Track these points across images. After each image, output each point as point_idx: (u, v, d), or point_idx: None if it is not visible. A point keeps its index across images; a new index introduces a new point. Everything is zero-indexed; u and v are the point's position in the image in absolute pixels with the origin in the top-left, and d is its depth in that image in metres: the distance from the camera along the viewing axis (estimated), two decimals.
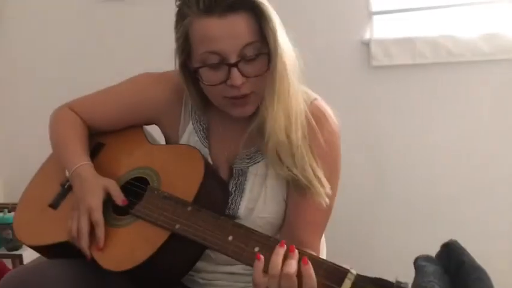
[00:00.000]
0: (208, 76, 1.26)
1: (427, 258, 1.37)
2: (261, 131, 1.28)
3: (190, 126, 1.43)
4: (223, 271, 1.39)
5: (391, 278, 1.13)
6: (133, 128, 1.49)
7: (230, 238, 1.17)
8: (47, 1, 2.78)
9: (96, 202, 1.31)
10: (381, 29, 2.38)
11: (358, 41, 2.38)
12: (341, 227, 2.24)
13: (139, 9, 2.60)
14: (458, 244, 1.38)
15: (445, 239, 1.48)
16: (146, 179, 1.35)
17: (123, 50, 2.63)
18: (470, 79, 2.32)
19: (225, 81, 1.24)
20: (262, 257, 1.11)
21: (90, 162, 1.40)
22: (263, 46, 1.22)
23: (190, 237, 1.21)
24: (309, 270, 1.08)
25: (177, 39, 1.28)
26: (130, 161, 1.42)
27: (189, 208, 1.24)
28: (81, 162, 1.38)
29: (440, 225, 2.32)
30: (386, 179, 2.43)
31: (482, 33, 2.26)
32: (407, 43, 2.32)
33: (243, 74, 1.22)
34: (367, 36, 2.38)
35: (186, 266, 1.29)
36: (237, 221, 1.30)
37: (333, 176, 1.33)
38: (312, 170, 1.28)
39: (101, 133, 1.50)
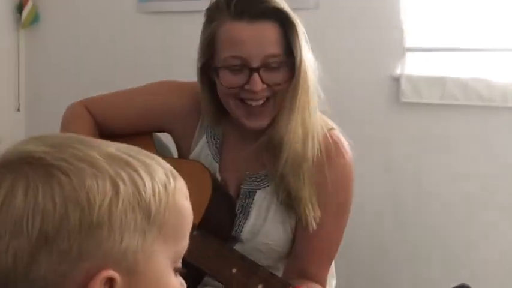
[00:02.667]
0: (228, 78, 1.25)
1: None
2: (273, 150, 1.27)
3: (204, 139, 1.41)
4: None
5: None
6: (143, 136, 1.46)
7: (234, 271, 1.17)
8: (89, 10, 2.85)
9: None
10: (413, 66, 2.38)
11: (389, 76, 2.38)
12: (353, 262, 2.23)
13: (182, 22, 2.63)
14: None
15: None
16: None
17: (162, 63, 2.66)
18: (500, 124, 2.29)
19: (243, 86, 1.23)
20: None
21: None
22: (288, 59, 1.23)
23: (194, 264, 1.20)
24: None
25: (203, 41, 1.29)
26: None
27: (195, 232, 1.24)
28: None
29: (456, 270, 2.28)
30: (406, 218, 2.40)
31: None
32: (438, 82, 2.31)
33: (263, 81, 1.22)
34: (398, 71, 2.38)
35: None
36: (239, 244, 1.30)
37: (338, 212, 1.33)
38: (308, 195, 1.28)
39: (110, 137, 1.49)
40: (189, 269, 1.23)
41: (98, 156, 0.61)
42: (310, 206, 1.27)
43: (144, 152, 0.65)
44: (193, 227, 1.25)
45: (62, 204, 0.57)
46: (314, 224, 1.28)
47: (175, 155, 1.51)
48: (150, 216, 0.61)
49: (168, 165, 0.66)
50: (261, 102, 1.25)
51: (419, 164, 2.37)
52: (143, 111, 1.45)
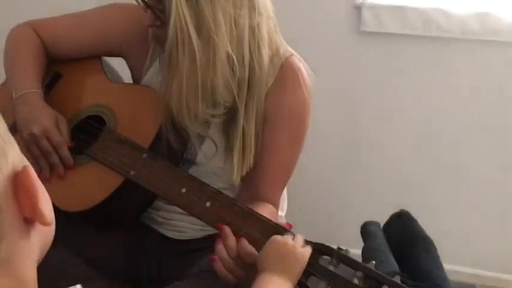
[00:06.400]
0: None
1: (374, 223, 1.40)
2: None
3: (156, 65, 1.39)
4: (181, 211, 1.41)
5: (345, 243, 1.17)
6: (91, 59, 1.42)
7: (183, 190, 1.19)
8: None
9: (51, 124, 1.28)
10: None
11: (350, 4, 2.36)
12: (305, 188, 2.28)
13: None
14: (410, 215, 1.42)
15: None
16: (102, 118, 1.33)
17: None
18: (456, 56, 2.32)
19: None
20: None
21: (40, 91, 1.35)
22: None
23: (144, 186, 1.21)
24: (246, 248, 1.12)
25: None
26: (87, 97, 1.39)
27: (145, 155, 1.24)
28: (31, 89, 1.33)
29: (406, 196, 2.35)
30: (360, 145, 2.45)
31: (475, 12, 2.25)
32: (399, 12, 2.31)
33: (157, 17, 1.23)
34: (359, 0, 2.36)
35: (139, 209, 1.31)
36: (194, 166, 1.32)
37: (293, 137, 1.34)
38: (239, 150, 1.28)
39: (59, 62, 1.44)
40: (140, 191, 1.25)
41: None
42: (250, 144, 1.28)
43: None
44: (143, 150, 1.26)
45: None
46: (251, 163, 1.30)
47: (126, 80, 1.49)
48: None
49: None
50: (163, 37, 1.24)
51: (379, 93, 2.40)
52: (98, 36, 1.42)
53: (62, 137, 1.29)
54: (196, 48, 1.16)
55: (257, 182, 1.34)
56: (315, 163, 2.31)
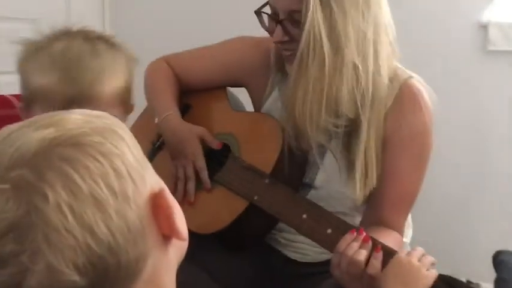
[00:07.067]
0: (264, 25, 1.34)
1: (509, 253, 1.31)
2: None
3: (276, 92, 1.45)
4: None
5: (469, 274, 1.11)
6: (217, 90, 1.52)
7: (304, 216, 1.21)
8: None
9: (197, 149, 1.38)
10: (501, 12, 2.26)
11: (476, 23, 2.27)
12: (432, 214, 2.20)
13: None
14: None
15: None
16: (228, 145, 1.41)
17: None
18: None
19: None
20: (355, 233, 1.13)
21: (179, 112, 1.46)
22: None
23: (266, 210, 1.25)
24: (378, 260, 1.10)
25: None
26: (213, 125, 1.47)
27: (267, 180, 1.29)
28: (170, 111, 1.44)
29: None
30: (490, 170, 2.33)
31: None
32: None
33: (285, 33, 1.27)
34: (485, 18, 2.27)
35: (263, 231, 1.36)
36: (313, 191, 1.33)
37: (415, 161, 1.33)
38: (361, 165, 1.28)
39: (188, 93, 1.56)
40: (263, 216, 1.28)
41: None
42: (372, 161, 1.28)
43: None
44: (265, 176, 1.30)
45: None
46: (374, 181, 1.29)
47: (248, 108, 1.56)
48: None
49: None
50: (288, 53, 1.30)
51: (508, 115, 2.28)
52: (223, 67, 1.51)
53: (204, 163, 1.37)
54: (326, 55, 1.23)
55: (380, 208, 1.33)
56: (442, 188, 2.23)
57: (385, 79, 1.29)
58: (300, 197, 1.26)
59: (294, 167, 1.34)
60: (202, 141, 1.41)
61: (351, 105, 1.27)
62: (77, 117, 0.61)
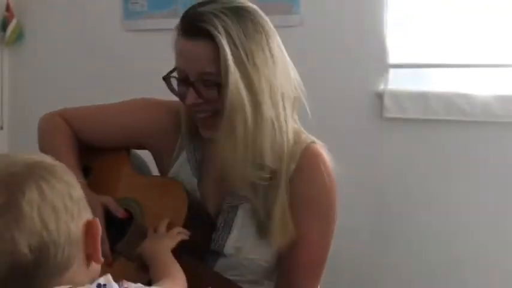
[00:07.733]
0: (177, 87, 1.31)
1: None
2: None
3: (184, 155, 1.41)
4: None
5: None
6: (119, 152, 1.46)
7: None
8: (74, 27, 2.86)
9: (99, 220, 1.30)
10: (395, 82, 2.40)
11: (372, 92, 2.40)
12: (341, 277, 2.23)
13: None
14: None
15: None
16: (130, 211, 1.34)
17: (146, 80, 2.67)
18: (480, 139, 2.32)
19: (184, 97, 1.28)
20: None
21: (83, 180, 1.37)
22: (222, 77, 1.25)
23: None
24: None
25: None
26: (116, 190, 1.41)
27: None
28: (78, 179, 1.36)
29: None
30: (388, 231, 2.42)
31: (496, 95, 2.27)
32: (421, 98, 2.34)
33: (200, 95, 1.26)
34: (381, 87, 2.40)
35: None
36: (222, 259, 1.30)
37: (322, 224, 1.33)
38: (281, 212, 1.28)
39: (88, 153, 1.47)
40: None
41: None
42: (280, 225, 1.28)
43: None
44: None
45: None
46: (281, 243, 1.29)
47: (153, 171, 1.51)
48: None
49: None
50: (203, 115, 1.29)
51: (404, 179, 2.39)
52: (121, 128, 1.45)
53: (104, 235, 1.29)
54: (248, 113, 1.24)
55: (291, 274, 1.32)
56: (345, 253, 2.28)
57: (290, 140, 1.31)
58: (204, 268, 1.22)
59: (200, 233, 1.30)
60: (107, 210, 1.34)
61: (273, 157, 1.28)
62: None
